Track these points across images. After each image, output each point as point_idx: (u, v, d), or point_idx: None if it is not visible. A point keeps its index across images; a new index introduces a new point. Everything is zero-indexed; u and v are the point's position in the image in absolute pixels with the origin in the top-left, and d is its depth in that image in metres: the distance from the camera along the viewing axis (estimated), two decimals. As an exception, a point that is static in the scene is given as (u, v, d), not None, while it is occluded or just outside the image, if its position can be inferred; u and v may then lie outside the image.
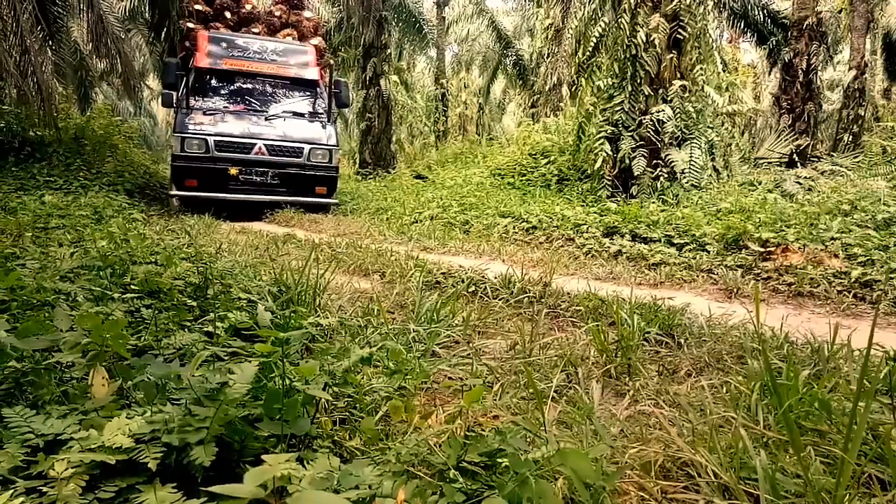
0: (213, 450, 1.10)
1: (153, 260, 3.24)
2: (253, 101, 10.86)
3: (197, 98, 10.38)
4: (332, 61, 14.36)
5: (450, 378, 1.98)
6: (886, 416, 1.52)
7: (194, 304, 2.34)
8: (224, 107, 10.53)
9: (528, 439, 1.38)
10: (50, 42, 13.24)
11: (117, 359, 1.52)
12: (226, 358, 1.77)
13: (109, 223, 5.93)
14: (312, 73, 11.32)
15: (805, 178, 8.38)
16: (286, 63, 11.22)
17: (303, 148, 10.43)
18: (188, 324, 2.10)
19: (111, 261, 2.91)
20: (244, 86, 10.94)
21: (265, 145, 10.20)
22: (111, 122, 13.92)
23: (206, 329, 2.05)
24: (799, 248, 4.46)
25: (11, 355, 1.41)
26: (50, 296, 2.20)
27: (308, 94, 11.26)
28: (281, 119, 10.64)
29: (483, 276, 3.70)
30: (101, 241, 3.98)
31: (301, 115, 10.94)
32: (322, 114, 11.04)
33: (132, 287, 2.44)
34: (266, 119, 10.53)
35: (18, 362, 1.40)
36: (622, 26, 8.73)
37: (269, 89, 11.09)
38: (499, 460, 1.19)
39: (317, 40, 13.09)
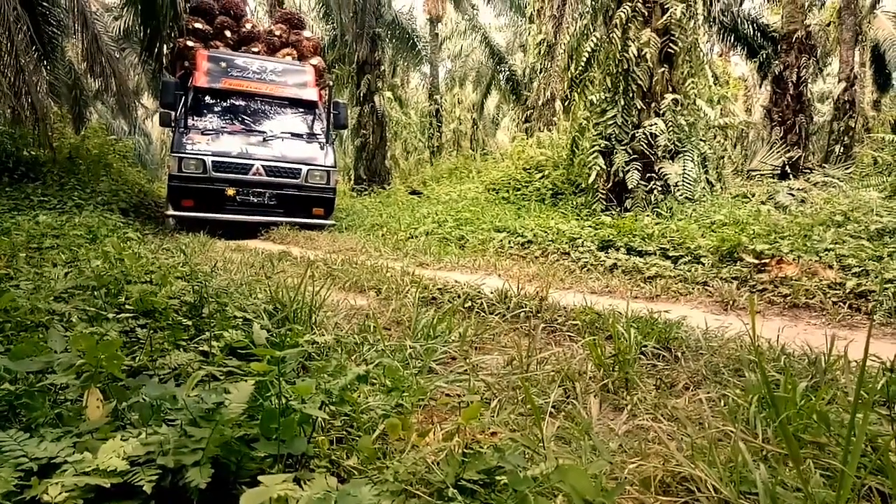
0: (209, 471, 1.09)
1: (148, 279, 3.22)
2: (251, 121, 10.85)
3: (195, 118, 10.37)
4: (330, 82, 14.41)
5: (447, 395, 1.97)
6: (885, 428, 1.52)
7: (189, 323, 2.33)
8: (222, 127, 10.50)
9: (527, 456, 1.37)
10: (45, 62, 13.30)
11: (112, 380, 1.51)
12: (221, 377, 1.76)
13: (104, 242, 5.91)
14: (311, 94, 11.32)
15: (798, 189, 8.44)
16: (285, 83, 11.22)
17: (300, 169, 10.41)
18: (183, 343, 2.09)
19: (106, 280, 2.90)
20: (243, 105, 10.93)
21: (263, 166, 10.18)
22: (105, 141, 13.92)
23: (201, 348, 2.04)
24: (793, 259, 4.47)
25: (5, 377, 1.40)
26: (44, 317, 2.19)
27: (307, 114, 11.26)
28: (279, 139, 10.61)
29: (479, 292, 3.70)
30: (95, 260, 3.96)
31: (299, 135, 10.93)
32: (320, 134, 11.02)
33: (127, 307, 2.42)
34: (264, 139, 10.49)
35: (12, 384, 1.39)
36: (614, 41, 8.81)
37: (267, 109, 11.08)
38: (497, 478, 1.19)
39: (316, 60, 13.12)
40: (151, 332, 2.14)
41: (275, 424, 1.25)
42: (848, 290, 3.79)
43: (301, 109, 11.25)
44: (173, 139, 10.38)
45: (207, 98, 10.71)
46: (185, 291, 2.78)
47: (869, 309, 3.54)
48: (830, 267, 4.26)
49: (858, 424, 1.19)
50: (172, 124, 10.46)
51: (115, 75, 14.48)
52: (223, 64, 11.00)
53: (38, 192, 10.10)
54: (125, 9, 15.64)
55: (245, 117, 10.85)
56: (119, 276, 3.06)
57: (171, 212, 10.06)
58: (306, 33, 14.20)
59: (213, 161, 9.87)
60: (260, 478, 1.01)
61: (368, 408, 1.64)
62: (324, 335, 2.33)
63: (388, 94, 22.26)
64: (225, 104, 10.82)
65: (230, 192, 9.97)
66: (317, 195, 10.52)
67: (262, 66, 11.21)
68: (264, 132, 10.64)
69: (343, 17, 17.83)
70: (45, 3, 13.51)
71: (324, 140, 10.94)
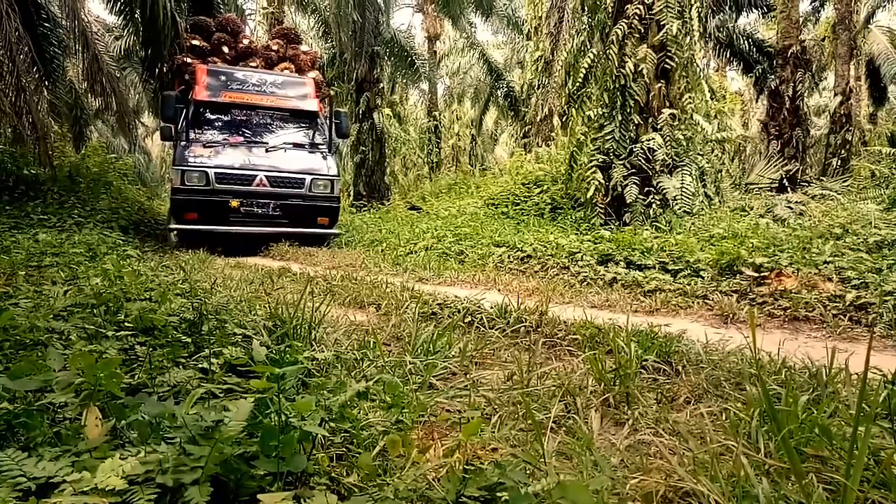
0: (209, 490, 1.09)
1: (147, 297, 3.22)
2: (253, 133, 10.88)
3: (196, 131, 10.38)
4: (331, 93, 14.45)
5: (447, 410, 1.96)
6: (887, 441, 1.51)
7: (189, 340, 2.32)
8: (224, 139, 10.49)
9: (528, 472, 1.36)
10: (45, 81, 13.40)
11: (111, 398, 1.50)
12: (221, 395, 1.75)
13: (103, 260, 5.91)
14: (312, 105, 11.37)
15: (796, 202, 8.45)
16: (285, 95, 11.26)
17: (304, 179, 10.42)
18: (183, 361, 2.08)
19: (105, 298, 2.90)
20: (244, 118, 10.95)
21: (266, 177, 10.18)
22: (105, 160, 13.98)
23: (200, 366, 2.03)
24: (793, 272, 4.47)
25: (4, 396, 1.40)
26: (43, 335, 2.19)
27: (308, 125, 11.29)
28: (281, 150, 10.61)
29: (479, 306, 3.69)
30: (94, 278, 3.96)
31: (301, 146, 10.95)
32: (322, 145, 11.06)
33: (126, 324, 2.42)
34: (266, 150, 10.51)
35: (10, 403, 1.39)
36: (610, 57, 8.88)
37: (268, 121, 11.12)
38: (499, 494, 1.18)
39: (314, 73, 13.19)
40: (150, 349, 2.13)
41: (274, 442, 1.24)
42: (848, 303, 3.78)
43: (302, 120, 11.28)
44: (175, 153, 10.39)
45: (208, 111, 10.72)
46: (185, 308, 2.78)
47: (869, 321, 3.53)
48: (830, 279, 4.26)
49: (861, 437, 1.18)
50: (174, 138, 10.49)
51: (116, 94, 14.54)
52: (223, 77, 11.04)
53: (38, 210, 10.13)
54: (126, 29, 15.79)
55: (246, 129, 10.88)
56: (118, 294, 3.06)
57: (174, 225, 10.04)
58: (303, 48, 14.25)
59: (216, 173, 9.86)
60: (260, 496, 1.01)
61: (368, 424, 1.63)
62: (323, 351, 2.33)
63: (387, 110, 22.40)
64: (226, 117, 10.84)
65: (234, 203, 9.95)
66: (321, 205, 10.54)
67: (262, 79, 11.26)
68: (266, 143, 10.66)
69: (342, 35, 17.96)
70: (46, 24, 13.65)
71: (326, 150, 10.97)
